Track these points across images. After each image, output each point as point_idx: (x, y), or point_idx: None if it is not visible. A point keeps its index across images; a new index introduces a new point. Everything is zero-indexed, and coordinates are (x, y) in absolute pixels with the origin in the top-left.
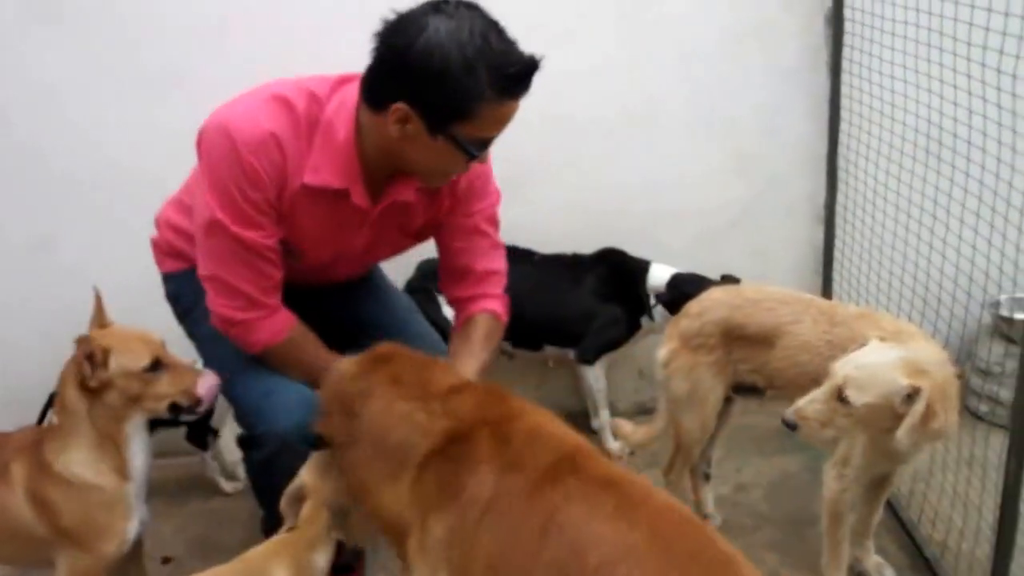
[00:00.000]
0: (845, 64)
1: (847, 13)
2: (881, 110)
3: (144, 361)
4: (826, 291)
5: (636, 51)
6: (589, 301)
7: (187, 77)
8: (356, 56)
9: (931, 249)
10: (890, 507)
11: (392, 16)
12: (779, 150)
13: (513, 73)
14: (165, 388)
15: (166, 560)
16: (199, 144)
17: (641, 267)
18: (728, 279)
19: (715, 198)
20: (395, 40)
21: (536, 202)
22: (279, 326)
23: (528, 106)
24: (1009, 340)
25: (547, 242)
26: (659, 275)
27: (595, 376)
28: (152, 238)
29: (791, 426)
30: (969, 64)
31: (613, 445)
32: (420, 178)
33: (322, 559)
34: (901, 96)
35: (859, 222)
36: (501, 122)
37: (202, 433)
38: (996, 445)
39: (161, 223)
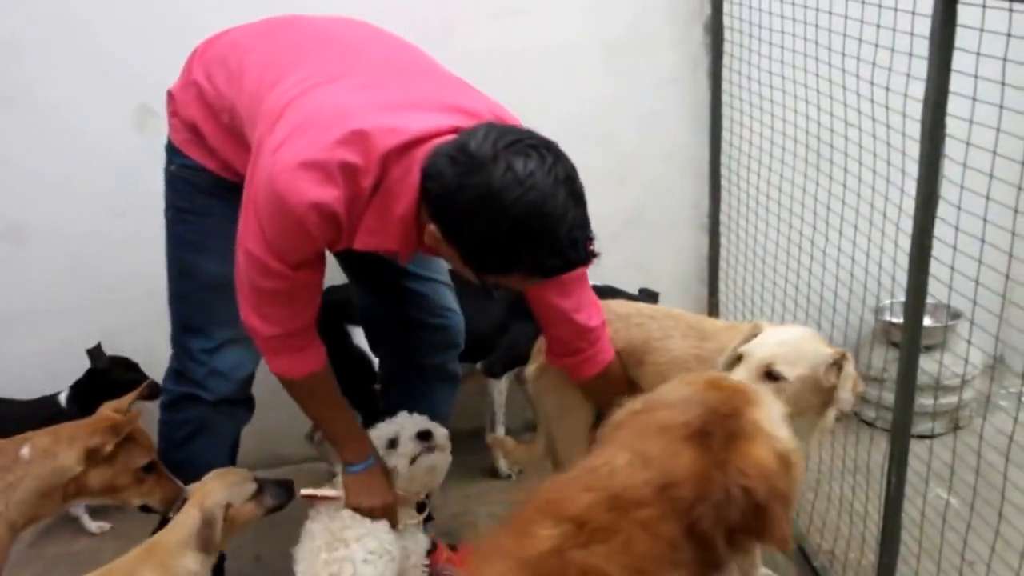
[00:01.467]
0: (725, 72)
1: (726, 21)
2: (761, 120)
3: (144, 460)
4: (712, 299)
5: (508, 64)
6: (500, 313)
7: None
8: None
9: (821, 255)
10: None
11: (462, 142)
12: (661, 159)
13: (554, 266)
14: (147, 491)
15: None
16: (259, 186)
17: None
18: (647, 293)
19: (596, 209)
20: (453, 175)
21: None
22: (307, 362)
23: None
24: (895, 345)
25: None
26: None
27: (499, 391)
28: (171, 91)
29: None
30: (844, 75)
31: (502, 464)
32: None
33: (192, 563)
34: (780, 105)
35: (743, 231)
36: (528, 286)
37: None
38: (881, 451)
39: (179, 104)
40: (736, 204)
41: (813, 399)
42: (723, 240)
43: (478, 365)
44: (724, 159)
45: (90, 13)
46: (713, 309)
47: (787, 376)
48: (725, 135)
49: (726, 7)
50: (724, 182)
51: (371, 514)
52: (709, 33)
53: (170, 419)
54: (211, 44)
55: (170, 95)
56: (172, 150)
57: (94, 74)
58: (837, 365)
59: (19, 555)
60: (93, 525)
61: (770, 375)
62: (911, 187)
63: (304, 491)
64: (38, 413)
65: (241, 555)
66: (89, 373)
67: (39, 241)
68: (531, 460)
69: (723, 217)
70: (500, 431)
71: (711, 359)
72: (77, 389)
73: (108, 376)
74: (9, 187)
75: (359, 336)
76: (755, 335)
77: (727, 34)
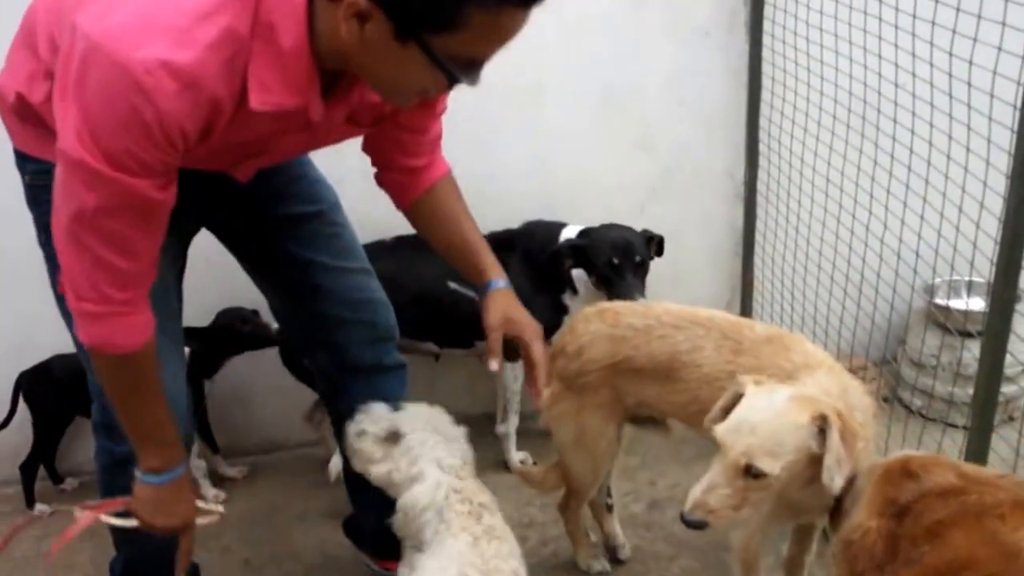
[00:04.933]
0: (766, 25)
1: None
2: (808, 80)
3: None
4: (746, 275)
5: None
6: (518, 285)
7: None
8: None
9: (865, 229)
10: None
11: None
12: (693, 121)
13: None
14: None
15: None
16: (76, 59)
17: (556, 233)
18: (648, 235)
19: (618, 176)
20: None
21: None
22: (131, 334)
23: None
24: (945, 330)
25: None
26: (570, 234)
27: (515, 375)
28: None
29: (697, 525)
30: (897, 33)
31: (514, 456)
32: (380, 95)
33: None
34: (827, 64)
35: (782, 202)
36: (502, 36)
37: None
38: (931, 442)
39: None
40: (775, 172)
41: (809, 471)
42: (759, 211)
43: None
44: (762, 122)
45: None
46: (747, 286)
47: (771, 471)
48: (764, 95)
49: None
50: (762, 147)
51: (168, 532)
52: None
53: (113, 483)
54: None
55: None
56: (20, 158)
57: None
58: (820, 431)
59: None
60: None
61: (749, 472)
62: (977, 159)
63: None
64: None
65: (230, 559)
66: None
67: None
68: (560, 483)
69: (760, 186)
70: (514, 420)
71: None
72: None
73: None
74: None
75: None
76: (739, 395)
77: None
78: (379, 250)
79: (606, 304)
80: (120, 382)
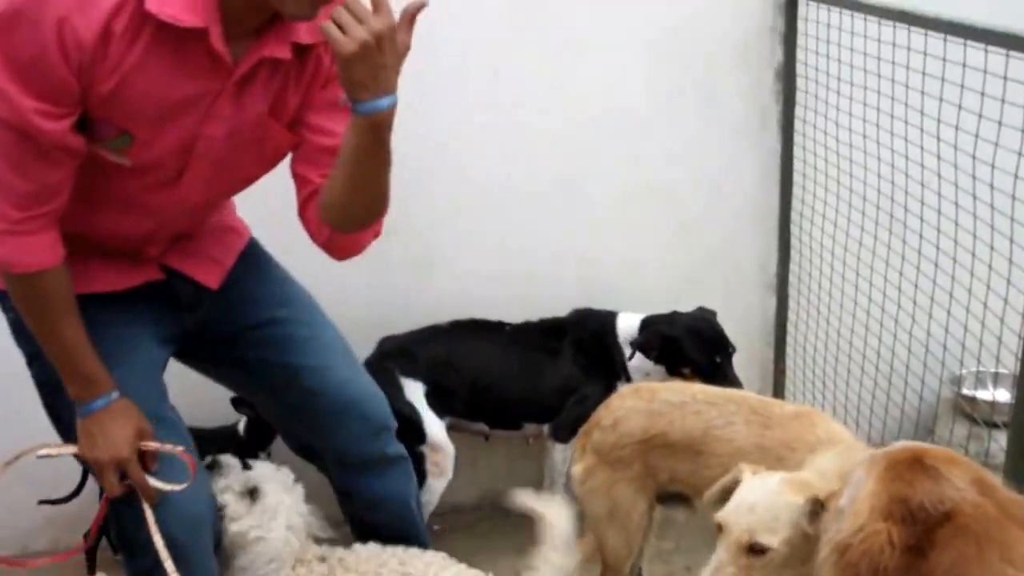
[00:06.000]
0: (797, 124)
1: (799, 69)
2: (837, 178)
3: None
4: (778, 364)
5: (563, 114)
6: (569, 371)
7: None
8: None
9: (894, 321)
10: None
11: None
12: (726, 215)
13: None
14: None
15: None
16: None
17: (610, 321)
18: (704, 312)
19: (656, 267)
20: None
21: (462, 274)
22: (41, 252)
23: (450, 176)
24: (972, 420)
25: (473, 314)
26: (629, 323)
27: (564, 457)
28: None
29: None
30: (923, 135)
31: None
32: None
33: None
34: (860, 165)
35: (813, 293)
36: None
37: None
38: None
39: None
40: (806, 264)
41: (805, 551)
42: (791, 302)
43: (545, 427)
44: (793, 216)
45: None
46: (779, 375)
47: (772, 545)
48: (796, 191)
49: (800, 54)
50: (793, 240)
51: (98, 468)
52: (781, 80)
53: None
54: None
55: None
56: None
57: None
58: (814, 513)
59: None
60: None
61: (754, 549)
62: (1001, 257)
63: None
64: (217, 441)
65: None
66: None
67: None
68: (595, 554)
69: (791, 277)
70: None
71: (773, 450)
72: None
73: None
74: None
75: (412, 390)
76: (737, 480)
77: (800, 83)
78: (434, 334)
79: (642, 383)
80: (30, 304)
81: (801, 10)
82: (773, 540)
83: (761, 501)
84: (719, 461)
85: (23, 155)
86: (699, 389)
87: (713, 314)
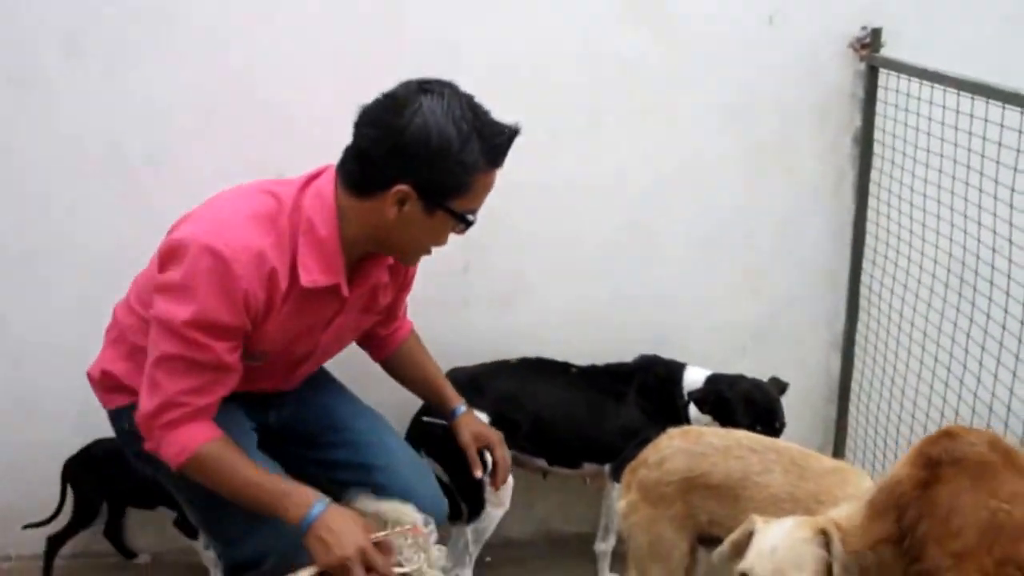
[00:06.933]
0: (872, 188)
1: (877, 135)
2: (909, 241)
3: None
4: (840, 421)
5: (644, 161)
6: (632, 415)
7: (161, 158)
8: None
9: (960, 384)
10: None
11: (378, 99)
12: (796, 271)
13: (502, 143)
14: None
15: None
16: (176, 252)
17: (677, 370)
18: (776, 383)
19: (725, 317)
20: (390, 121)
21: (535, 312)
22: (210, 427)
23: (523, 216)
24: None
25: (544, 352)
26: (694, 377)
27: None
28: (89, 372)
29: None
30: (996, 203)
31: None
32: (399, 257)
33: None
34: (932, 230)
35: (879, 352)
36: (488, 190)
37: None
38: None
39: (97, 369)
40: (874, 325)
41: None
42: (857, 361)
43: (606, 468)
44: (864, 276)
45: None
46: (840, 431)
47: None
48: (867, 251)
49: (878, 121)
50: (863, 300)
51: (343, 568)
52: (858, 145)
53: None
54: None
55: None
56: (113, 416)
57: None
58: (826, 543)
59: None
60: None
61: None
62: None
63: None
64: None
65: None
66: None
67: None
68: None
69: (858, 337)
70: (611, 540)
71: (803, 501)
72: None
73: None
74: None
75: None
76: (749, 532)
77: (877, 148)
78: (502, 369)
79: (691, 427)
80: (226, 469)
81: (881, 79)
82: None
83: (781, 543)
84: (755, 507)
85: (207, 376)
86: (744, 436)
87: (782, 388)
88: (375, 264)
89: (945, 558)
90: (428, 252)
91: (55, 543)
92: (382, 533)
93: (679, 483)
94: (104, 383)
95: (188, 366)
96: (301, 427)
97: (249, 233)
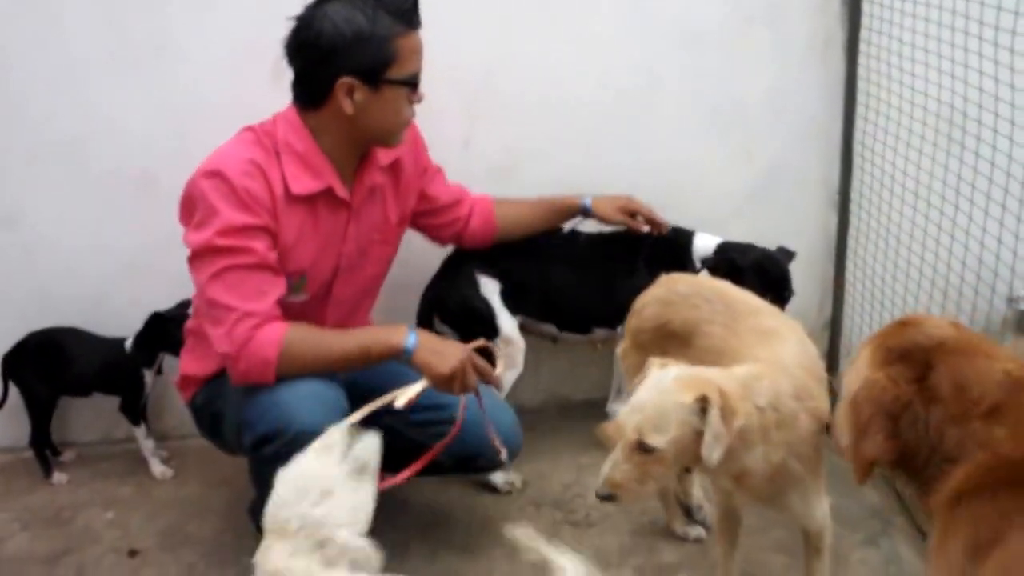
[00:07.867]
0: (862, 46)
1: None
2: (900, 93)
3: None
4: (837, 278)
5: (634, 31)
6: (643, 279)
7: (167, 46)
8: None
9: (951, 239)
10: None
11: (291, 28)
12: (790, 133)
13: (408, 6)
14: None
15: (132, 553)
16: (189, 197)
17: (686, 237)
18: (785, 252)
19: (721, 182)
20: (306, 36)
21: (528, 184)
22: (279, 326)
23: (521, 87)
24: None
25: None
26: (705, 243)
27: None
28: (176, 382)
29: (607, 499)
30: (996, 49)
31: None
32: (381, 142)
33: None
34: (922, 80)
35: (875, 208)
36: (417, 53)
37: (135, 404)
38: None
39: (178, 376)
40: (868, 180)
41: (698, 446)
42: (852, 218)
43: (619, 329)
44: (856, 133)
45: None
46: (839, 289)
47: (658, 445)
48: (859, 109)
49: None
50: (856, 157)
51: (454, 378)
52: (846, 5)
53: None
54: None
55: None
56: (199, 412)
57: None
58: (703, 411)
59: (126, 497)
60: (158, 469)
61: (643, 448)
62: None
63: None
64: (104, 353)
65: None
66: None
67: None
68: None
69: (853, 194)
70: (624, 400)
71: (730, 355)
72: (141, 337)
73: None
74: None
75: (488, 287)
76: (645, 376)
77: (865, 6)
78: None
79: (673, 275)
80: (313, 351)
81: None
82: (660, 440)
83: (651, 401)
84: (698, 356)
85: (254, 278)
86: (709, 285)
87: (789, 256)
88: (367, 167)
89: (971, 424)
90: (404, 127)
91: (38, 443)
92: (472, 345)
93: (652, 330)
94: (182, 385)
95: (237, 274)
96: (371, 381)
97: (236, 150)
